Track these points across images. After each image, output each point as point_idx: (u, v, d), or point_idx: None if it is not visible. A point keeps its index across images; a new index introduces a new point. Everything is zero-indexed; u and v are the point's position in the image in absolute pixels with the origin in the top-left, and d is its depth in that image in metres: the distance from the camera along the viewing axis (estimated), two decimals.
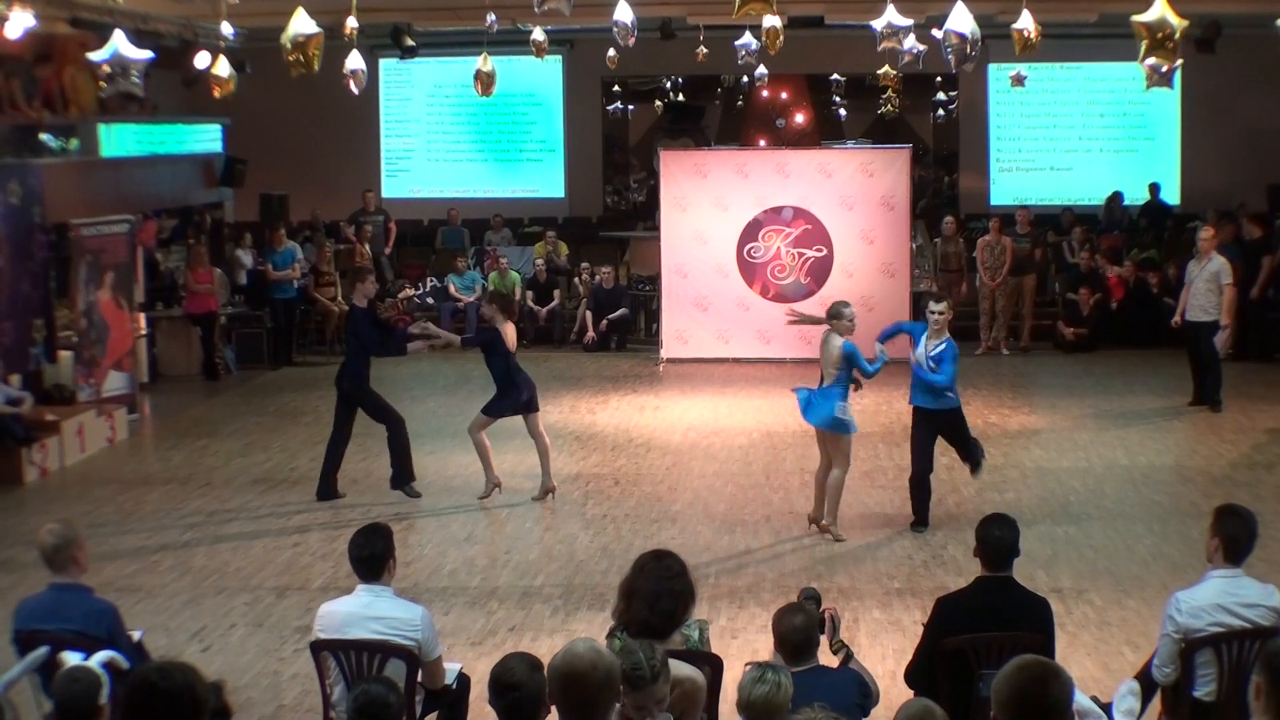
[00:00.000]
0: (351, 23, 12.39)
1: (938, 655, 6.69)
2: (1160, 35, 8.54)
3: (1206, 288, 16.02)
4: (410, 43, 20.25)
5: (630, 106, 30.20)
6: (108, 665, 5.48)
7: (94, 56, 10.59)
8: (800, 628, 6.15)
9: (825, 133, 29.63)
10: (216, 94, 12.81)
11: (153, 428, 16.98)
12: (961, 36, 9.54)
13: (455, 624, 9.69)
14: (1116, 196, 24.06)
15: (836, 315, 11.56)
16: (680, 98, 29.99)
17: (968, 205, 25.37)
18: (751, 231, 19.85)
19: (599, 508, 12.75)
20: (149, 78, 11.28)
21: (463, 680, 7.24)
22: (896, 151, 20.80)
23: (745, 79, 22.44)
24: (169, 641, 9.27)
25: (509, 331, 12.81)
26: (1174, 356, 17.73)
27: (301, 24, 9.58)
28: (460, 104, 25.31)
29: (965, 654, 6.59)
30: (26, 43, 14.86)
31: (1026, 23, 10.63)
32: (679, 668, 5.56)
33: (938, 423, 11.79)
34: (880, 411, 16.32)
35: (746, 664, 5.88)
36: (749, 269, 19.87)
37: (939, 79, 27.94)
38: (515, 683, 4.76)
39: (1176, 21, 8.59)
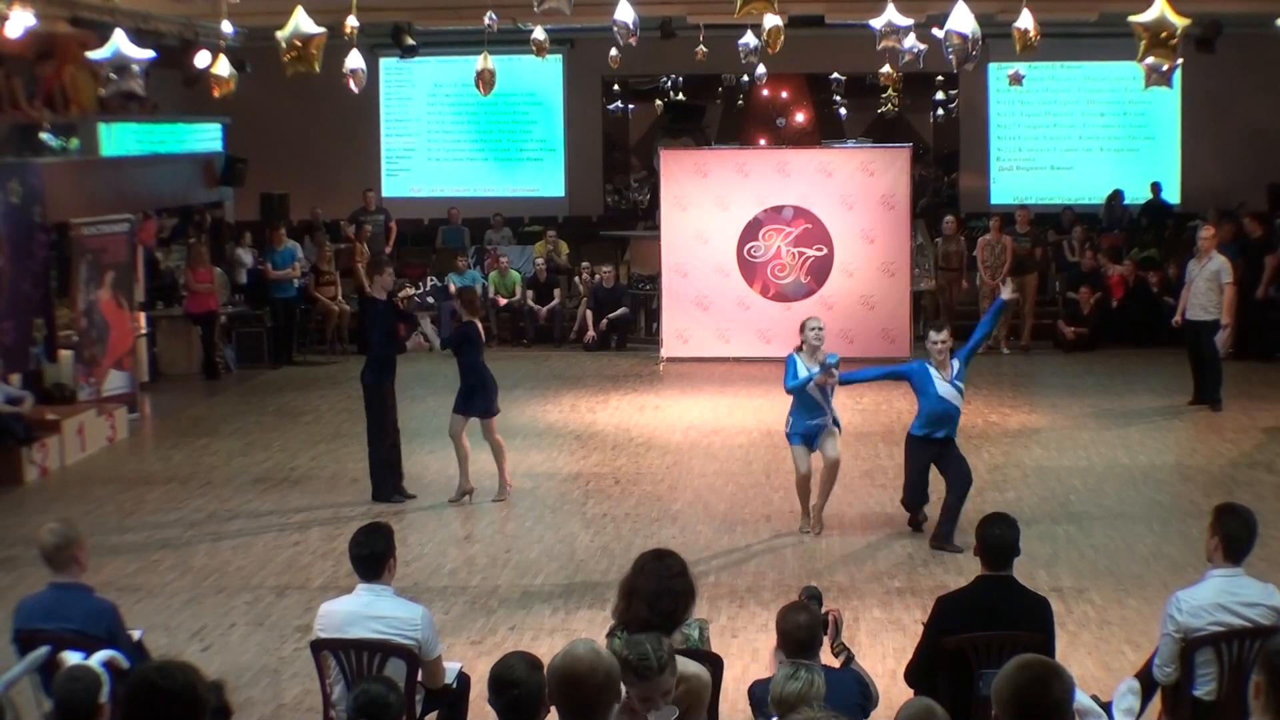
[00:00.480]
0: (352, 22, 12.38)
1: (938, 654, 6.69)
2: (1164, 35, 8.54)
3: (1207, 287, 16.02)
4: (410, 42, 20.24)
5: (630, 106, 30.20)
6: (108, 664, 5.48)
7: (94, 56, 10.59)
8: (804, 625, 6.15)
9: (825, 132, 29.62)
10: (216, 93, 12.81)
11: (153, 427, 16.98)
12: (963, 36, 9.53)
13: (455, 623, 9.69)
14: (1117, 195, 24.08)
15: (800, 329, 11.55)
16: (680, 97, 29.97)
17: (968, 204, 25.37)
18: (752, 231, 19.85)
19: (599, 507, 12.75)
20: (149, 77, 11.28)
21: (463, 679, 7.24)
22: (897, 151, 20.81)
23: (746, 78, 22.42)
24: (169, 641, 9.27)
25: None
26: (1174, 355, 17.73)
27: (303, 24, 9.58)
28: (460, 103, 25.31)
29: (965, 653, 6.59)
30: (27, 41, 14.84)
31: (1027, 22, 10.62)
32: (685, 664, 5.58)
33: (936, 449, 11.50)
34: (880, 411, 16.34)
35: (778, 660, 5.89)
36: (749, 268, 19.87)
37: (939, 78, 27.94)
38: (515, 680, 4.76)
39: (1177, 20, 8.59)
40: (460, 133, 26.08)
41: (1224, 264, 16.06)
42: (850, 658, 6.49)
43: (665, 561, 6.25)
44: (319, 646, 6.81)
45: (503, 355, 20.35)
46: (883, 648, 9.09)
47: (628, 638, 5.38)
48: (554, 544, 11.64)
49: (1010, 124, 25.42)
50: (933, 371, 11.32)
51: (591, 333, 21.36)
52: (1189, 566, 9.94)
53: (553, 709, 4.70)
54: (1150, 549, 11.24)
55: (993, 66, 23.89)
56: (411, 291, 21.99)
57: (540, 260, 22.60)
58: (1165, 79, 10.87)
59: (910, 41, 13.65)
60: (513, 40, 18.68)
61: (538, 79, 24.87)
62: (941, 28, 9.88)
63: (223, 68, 12.65)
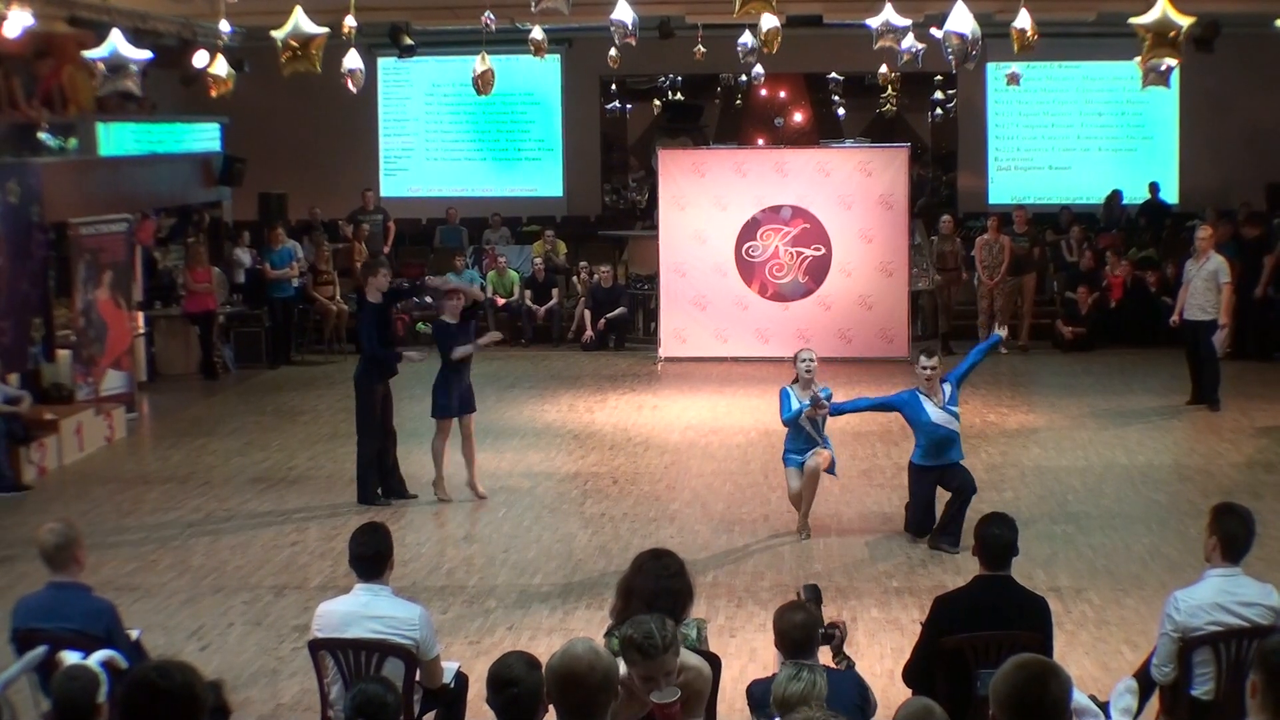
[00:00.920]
0: (350, 21, 12.38)
1: (936, 654, 6.69)
2: (1171, 34, 8.55)
3: (1205, 287, 16.03)
4: (408, 41, 20.23)
5: (629, 105, 30.21)
6: (106, 664, 5.48)
7: (91, 54, 10.59)
8: (800, 624, 6.16)
9: (824, 132, 29.64)
10: (214, 93, 12.82)
11: (151, 427, 16.97)
12: (961, 37, 9.54)
13: (453, 623, 9.69)
14: (1115, 196, 24.09)
15: (794, 362, 11.62)
16: (679, 97, 29.99)
17: (966, 204, 25.38)
18: (750, 230, 19.85)
19: (597, 506, 12.75)
20: (147, 76, 11.28)
21: (461, 679, 7.24)
22: (895, 150, 20.82)
23: (744, 78, 22.45)
24: (167, 640, 9.27)
25: None
26: (1172, 355, 17.74)
27: (303, 24, 9.58)
28: (459, 103, 25.30)
29: (963, 653, 6.59)
30: (24, 40, 14.84)
31: (1024, 22, 10.62)
32: (687, 655, 5.60)
33: (937, 474, 11.46)
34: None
35: (781, 662, 5.90)
36: (747, 268, 19.87)
37: (937, 78, 27.96)
38: (513, 679, 4.76)
39: (1181, 19, 8.60)
40: (458, 132, 26.08)
41: (1222, 264, 16.07)
42: (851, 666, 6.49)
43: (663, 561, 6.25)
44: (317, 646, 6.81)
45: (501, 355, 20.34)
46: (881, 648, 9.09)
47: (634, 618, 5.42)
48: (552, 544, 11.64)
49: (1008, 124, 25.42)
50: (923, 399, 11.29)
51: (589, 332, 21.36)
52: (1187, 566, 9.94)
53: (551, 708, 4.70)
54: (1148, 549, 11.25)
55: (991, 66, 23.89)
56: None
57: (538, 260, 22.60)
58: (1163, 79, 10.86)
59: (908, 41, 13.66)
60: (511, 40, 18.68)
61: (536, 79, 24.87)
62: (939, 28, 9.88)
63: (221, 67, 12.66)
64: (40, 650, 6.20)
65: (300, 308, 21.13)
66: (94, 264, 16.66)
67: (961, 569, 10.08)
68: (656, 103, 30.49)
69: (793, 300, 19.68)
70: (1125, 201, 24.03)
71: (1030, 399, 17.58)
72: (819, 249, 19.79)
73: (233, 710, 5.96)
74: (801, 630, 6.14)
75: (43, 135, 17.78)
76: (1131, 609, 9.81)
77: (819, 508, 11.97)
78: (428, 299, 21.82)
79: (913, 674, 6.89)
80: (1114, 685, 6.14)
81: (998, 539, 6.84)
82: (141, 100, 18.69)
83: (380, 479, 12.98)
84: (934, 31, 10.56)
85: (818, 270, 19.73)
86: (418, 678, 6.79)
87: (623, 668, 5.27)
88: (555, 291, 22.21)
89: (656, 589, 6.09)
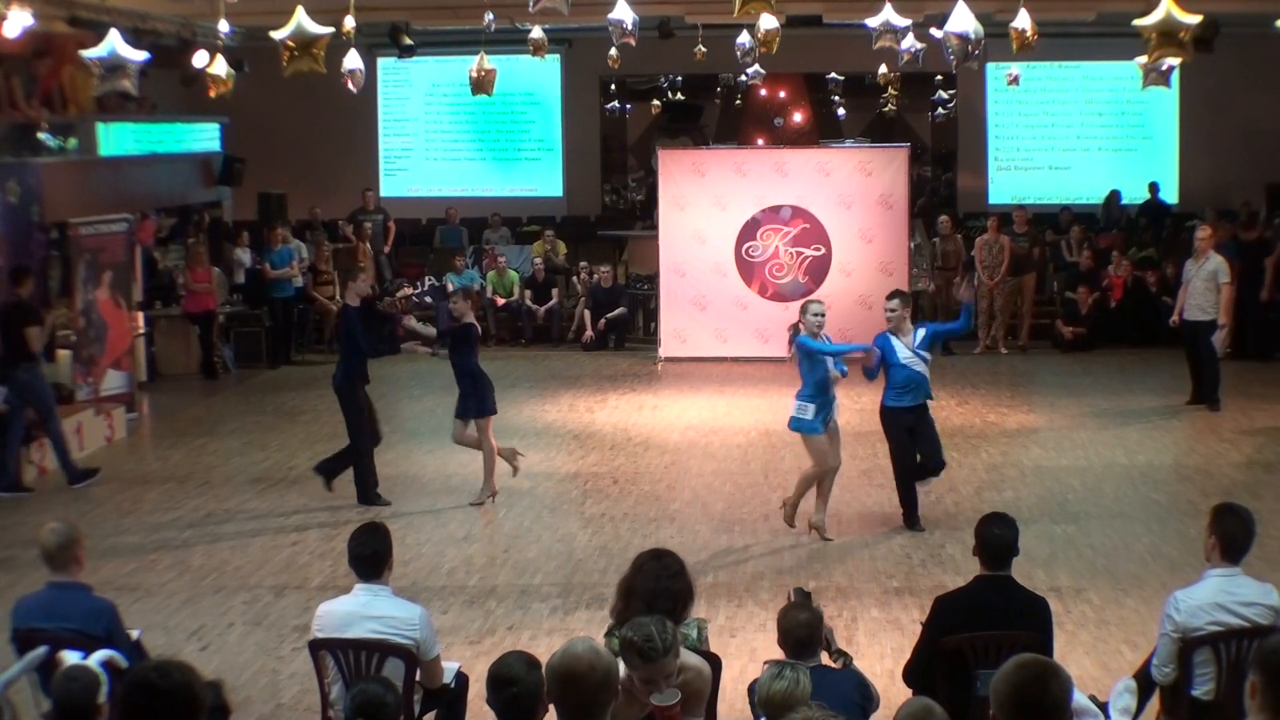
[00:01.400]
0: (350, 22, 12.37)
1: (936, 654, 6.69)
2: (1180, 34, 8.55)
3: (1204, 287, 16.04)
4: (408, 41, 20.23)
5: (628, 105, 30.19)
6: (106, 664, 5.48)
7: (88, 54, 10.59)
8: (804, 623, 6.18)
9: (824, 132, 29.63)
10: (213, 93, 12.82)
11: (151, 427, 16.97)
12: (961, 37, 9.54)
13: (453, 623, 9.69)
14: (1114, 196, 24.10)
15: (801, 313, 11.48)
16: (679, 97, 29.98)
17: (966, 204, 25.38)
18: (750, 230, 19.85)
19: (597, 506, 12.75)
20: (146, 76, 11.29)
21: (461, 679, 7.24)
22: (895, 150, 20.81)
23: (743, 78, 22.42)
24: (167, 640, 9.27)
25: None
26: (1172, 355, 17.74)
27: (306, 25, 9.58)
28: (458, 103, 25.29)
29: (964, 653, 6.59)
30: (24, 40, 14.85)
31: (1024, 22, 10.63)
32: (686, 655, 5.60)
33: (910, 418, 11.67)
34: (878, 411, 16.31)
35: (765, 661, 5.90)
36: (747, 268, 19.87)
37: (938, 78, 27.94)
38: (512, 678, 4.76)
39: (1186, 18, 8.60)
40: (458, 132, 26.08)
41: (1221, 264, 16.07)
42: (849, 663, 6.49)
43: (664, 561, 6.26)
44: (317, 646, 6.81)
45: (500, 355, 20.35)
46: (881, 647, 9.09)
47: (633, 620, 5.41)
48: (552, 544, 11.64)
49: (1008, 124, 25.42)
50: (894, 340, 11.52)
51: (589, 332, 21.36)
52: (1187, 566, 9.94)
53: (551, 709, 4.70)
54: (1148, 549, 11.25)
55: (991, 66, 23.88)
56: (409, 291, 22.06)
57: (538, 260, 22.60)
58: (1164, 79, 10.88)
59: (908, 41, 13.66)
60: (511, 40, 18.68)
61: (536, 79, 24.86)
62: (939, 27, 9.89)
63: (220, 67, 12.66)
64: (41, 650, 6.20)
65: (300, 308, 21.13)
66: (94, 264, 16.66)
67: (962, 569, 10.08)
68: (656, 103, 30.47)
69: (793, 300, 19.52)
70: (1125, 201, 24.04)
71: (1030, 399, 17.58)
72: (819, 249, 19.79)
73: (232, 710, 5.96)
74: (805, 629, 6.16)
75: (42, 135, 17.78)
76: (1131, 609, 9.81)
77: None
78: (428, 298, 21.87)
79: (913, 674, 6.89)
80: (1114, 685, 6.14)
81: (998, 539, 6.84)
82: (141, 100, 18.71)
83: (369, 474, 13.00)
84: (934, 31, 10.57)
85: (818, 270, 19.73)
86: (418, 678, 6.79)
87: (621, 669, 5.26)
88: (555, 291, 22.21)
89: (657, 589, 6.09)
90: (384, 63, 24.48)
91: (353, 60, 12.25)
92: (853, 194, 19.77)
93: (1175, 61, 10.19)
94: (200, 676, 4.23)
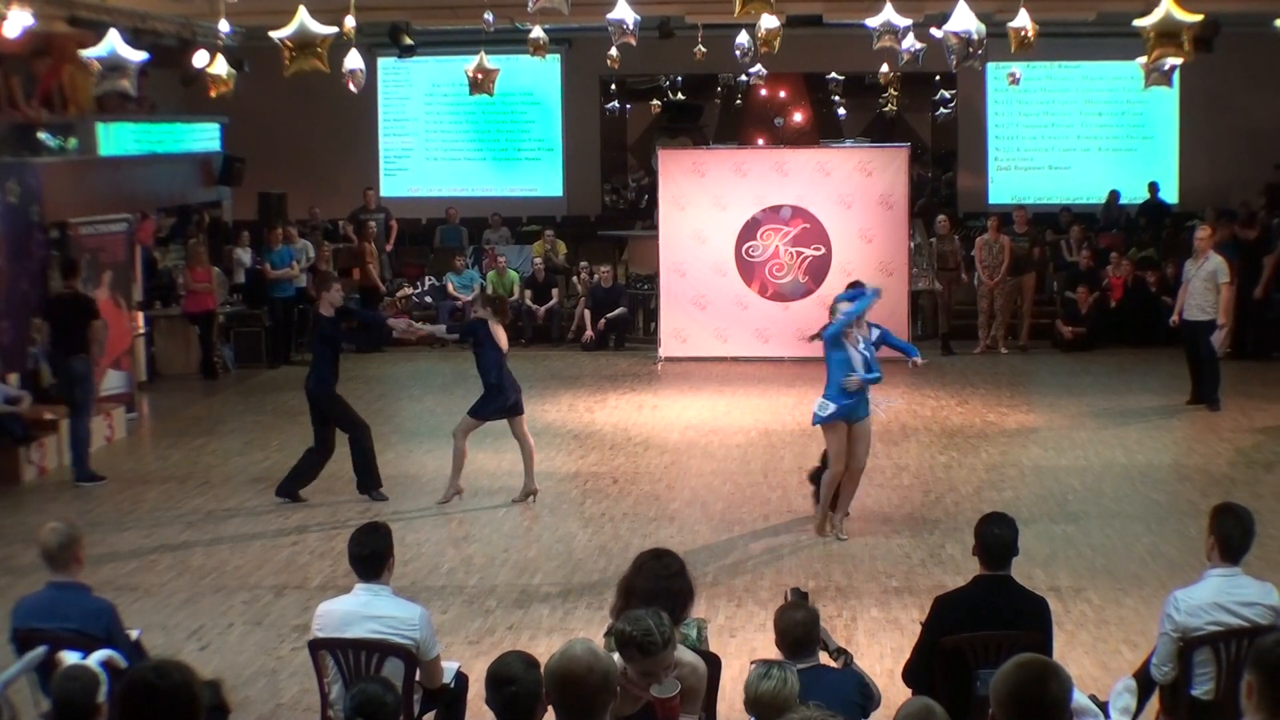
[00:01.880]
0: (350, 21, 12.37)
1: (936, 654, 6.69)
2: (1180, 33, 8.55)
3: (1204, 287, 16.04)
4: (408, 41, 20.23)
5: (628, 105, 30.19)
6: (106, 664, 5.48)
7: (88, 54, 10.58)
8: (801, 622, 6.18)
9: (824, 131, 29.63)
10: (214, 93, 12.82)
11: (151, 426, 16.97)
12: (959, 36, 9.54)
13: (453, 623, 9.69)
14: (1113, 196, 24.10)
15: (831, 309, 11.42)
16: (679, 96, 29.98)
17: (966, 204, 25.39)
18: (750, 230, 19.85)
19: (597, 506, 12.75)
20: (146, 76, 11.29)
21: (461, 679, 7.24)
22: (895, 150, 20.82)
23: (744, 77, 22.46)
24: (167, 640, 9.27)
25: (500, 333, 12.67)
26: (1172, 355, 17.75)
27: (309, 25, 9.58)
28: (458, 103, 25.28)
29: (963, 652, 6.59)
30: (24, 40, 14.84)
31: (1023, 21, 10.63)
32: (682, 653, 5.59)
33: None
34: (877, 411, 16.32)
35: (752, 661, 5.89)
36: (747, 268, 19.87)
37: (937, 77, 27.94)
38: (511, 677, 4.77)
39: (1186, 17, 8.60)
40: (458, 132, 26.09)
41: (1221, 264, 16.07)
42: (849, 661, 6.49)
43: (664, 561, 6.25)
44: (317, 646, 6.81)
45: None
46: (880, 647, 9.09)
47: (629, 613, 5.41)
48: (552, 543, 11.64)
49: (1008, 124, 25.43)
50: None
51: (589, 332, 21.36)
52: (1186, 566, 9.94)
53: (550, 710, 4.70)
54: (1148, 548, 11.25)
55: (991, 66, 23.88)
56: (409, 291, 22.08)
57: (538, 260, 22.60)
58: (1166, 78, 10.88)
59: (908, 41, 13.66)
60: (511, 40, 18.68)
61: (536, 79, 24.86)
62: (939, 27, 9.89)
63: (220, 67, 12.66)
64: (40, 650, 6.20)
65: (300, 308, 21.11)
66: (94, 264, 16.65)
67: (961, 569, 10.07)
68: (656, 103, 30.46)
69: (793, 300, 19.68)
70: (1124, 201, 24.04)
71: (1030, 399, 17.58)
72: (819, 249, 19.79)
73: (231, 709, 5.94)
74: (803, 628, 6.17)
75: (42, 135, 17.78)
76: (1131, 608, 9.81)
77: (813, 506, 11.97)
78: (427, 298, 21.87)
79: (913, 674, 6.89)
80: (1113, 685, 6.14)
81: (998, 539, 6.83)
82: (141, 100, 18.70)
83: (306, 480, 12.99)
84: (934, 31, 10.57)
85: (818, 270, 19.73)
86: (418, 678, 6.79)
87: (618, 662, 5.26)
88: (555, 291, 22.21)
89: (657, 589, 6.09)
90: (384, 62, 24.48)
91: (353, 60, 12.25)
92: (853, 194, 19.78)
93: (1176, 61, 10.19)
94: (199, 676, 4.23)
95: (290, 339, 20.83)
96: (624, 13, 11.83)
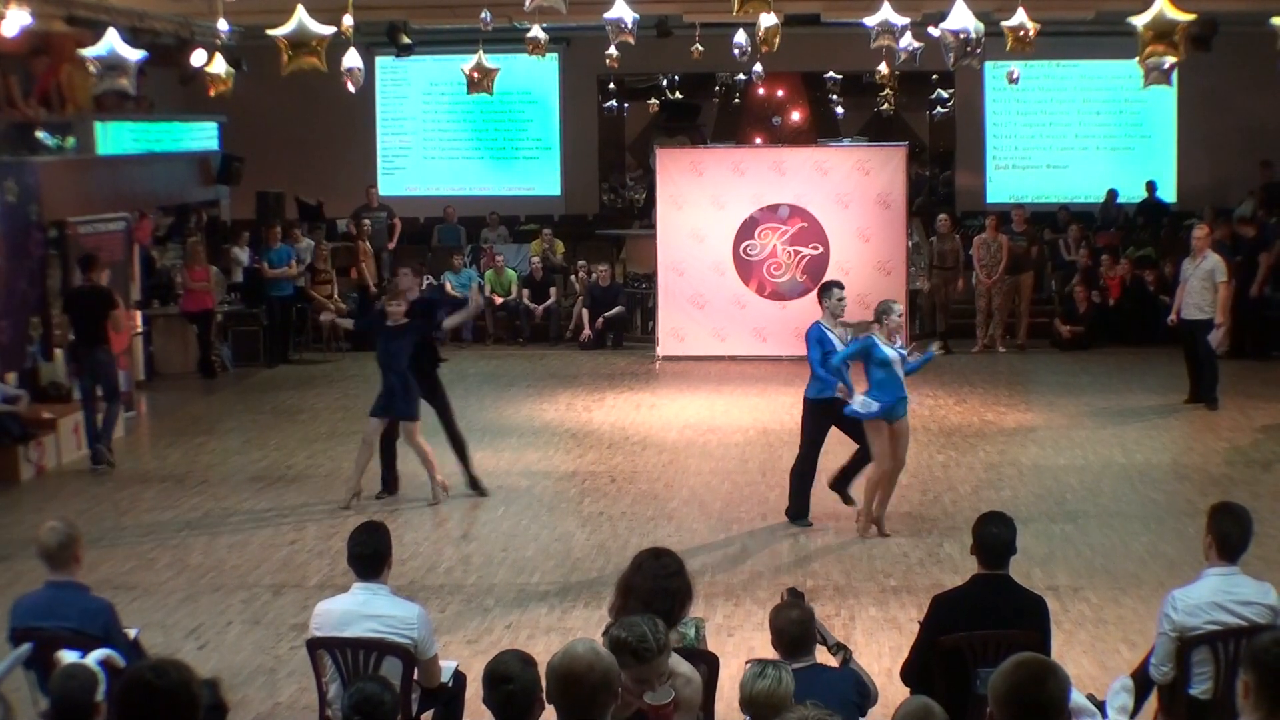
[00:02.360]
0: (348, 20, 12.35)
1: (934, 653, 6.69)
2: (1172, 32, 8.55)
3: (1201, 286, 16.04)
4: (406, 40, 20.22)
5: (626, 104, 30.17)
6: (104, 663, 5.48)
7: (86, 53, 10.58)
8: (797, 621, 6.18)
9: (821, 130, 29.61)
10: (213, 92, 12.81)
11: (149, 425, 16.96)
12: (956, 35, 9.54)
13: (451, 622, 9.69)
14: (1111, 195, 24.11)
15: (885, 311, 11.40)
16: (677, 95, 29.96)
17: (964, 203, 25.40)
18: (748, 229, 19.85)
19: (595, 505, 12.75)
20: (144, 75, 11.27)
21: (459, 678, 7.24)
22: (892, 149, 20.81)
23: (742, 76, 22.43)
24: (165, 639, 9.27)
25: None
26: (1170, 354, 17.75)
27: (308, 24, 9.57)
28: (456, 102, 25.29)
29: (961, 652, 6.59)
30: (22, 39, 14.83)
31: (1022, 20, 10.62)
32: (677, 664, 5.58)
33: (832, 413, 11.66)
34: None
35: (747, 661, 5.89)
36: (745, 267, 19.87)
37: (935, 76, 27.92)
38: (508, 675, 4.77)
39: (1179, 16, 8.60)
40: (456, 131, 26.09)
41: (1218, 263, 16.08)
42: (848, 656, 6.49)
43: (662, 560, 6.25)
44: (315, 645, 6.81)
45: (499, 354, 20.40)
46: (879, 646, 9.09)
47: (624, 619, 5.41)
48: (550, 542, 11.64)
49: (1006, 122, 25.44)
50: (830, 334, 11.58)
51: (587, 331, 21.36)
52: (1185, 565, 9.94)
53: (552, 711, 4.70)
54: (1146, 548, 11.25)
55: (989, 65, 23.87)
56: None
57: (536, 259, 22.60)
58: (1165, 77, 10.87)
59: (906, 40, 13.65)
60: (509, 39, 18.66)
61: (534, 78, 24.85)
62: (937, 26, 9.89)
63: (219, 66, 12.64)
64: (25, 647, 6.20)
65: (298, 307, 21.12)
66: None
67: (960, 568, 10.07)
68: (654, 101, 30.43)
69: (791, 299, 19.67)
70: (1122, 200, 24.05)
71: (1028, 398, 17.59)
72: (817, 248, 19.79)
73: (229, 708, 5.93)
74: (799, 627, 6.17)
75: (40, 134, 17.77)
76: (1129, 608, 9.82)
77: (817, 508, 11.98)
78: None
79: (911, 673, 6.89)
80: (1111, 684, 6.15)
81: (996, 538, 6.84)
82: (139, 99, 18.69)
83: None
84: (932, 30, 10.56)
85: (815, 269, 19.71)
86: (416, 677, 6.79)
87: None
88: (553, 290, 22.21)
89: (655, 588, 6.09)
90: (382, 62, 24.45)
91: (352, 59, 12.23)
92: (850, 193, 19.78)
93: (1174, 60, 10.19)
94: (197, 675, 4.23)
95: (288, 338, 20.82)
96: (622, 11, 11.82)
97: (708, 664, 6.36)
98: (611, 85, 28.12)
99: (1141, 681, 6.70)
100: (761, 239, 19.85)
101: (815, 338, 11.53)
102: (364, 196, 23.48)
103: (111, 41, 10.35)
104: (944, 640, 6.65)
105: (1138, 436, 15.12)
